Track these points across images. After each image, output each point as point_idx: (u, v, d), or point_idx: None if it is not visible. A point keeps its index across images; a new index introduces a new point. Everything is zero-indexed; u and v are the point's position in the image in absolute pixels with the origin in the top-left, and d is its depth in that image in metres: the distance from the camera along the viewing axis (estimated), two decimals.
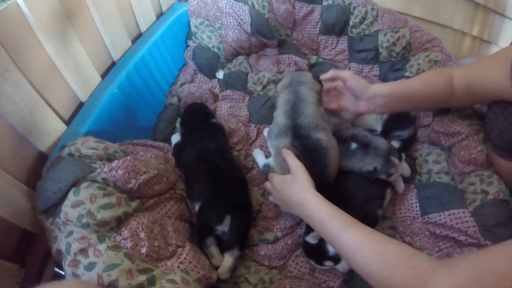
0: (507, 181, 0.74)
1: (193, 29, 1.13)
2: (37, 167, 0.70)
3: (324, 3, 1.15)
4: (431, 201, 0.78)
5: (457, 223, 0.71)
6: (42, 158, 0.72)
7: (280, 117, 0.77)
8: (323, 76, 0.82)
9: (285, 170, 0.70)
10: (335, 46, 1.20)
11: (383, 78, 1.13)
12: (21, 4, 0.63)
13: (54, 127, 0.74)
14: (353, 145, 0.78)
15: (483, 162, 0.78)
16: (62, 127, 0.76)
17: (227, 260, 0.68)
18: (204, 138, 0.81)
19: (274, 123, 0.80)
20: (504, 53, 0.68)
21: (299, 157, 0.69)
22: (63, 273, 0.73)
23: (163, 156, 0.80)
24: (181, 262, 0.59)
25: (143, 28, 1.05)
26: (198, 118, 0.88)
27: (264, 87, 1.07)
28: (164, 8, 1.15)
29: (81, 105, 0.82)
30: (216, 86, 1.09)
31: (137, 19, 1.02)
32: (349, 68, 1.18)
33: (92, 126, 0.76)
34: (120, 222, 0.60)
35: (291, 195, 0.64)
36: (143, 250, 0.57)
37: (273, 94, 1.04)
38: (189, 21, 1.14)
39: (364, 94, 0.77)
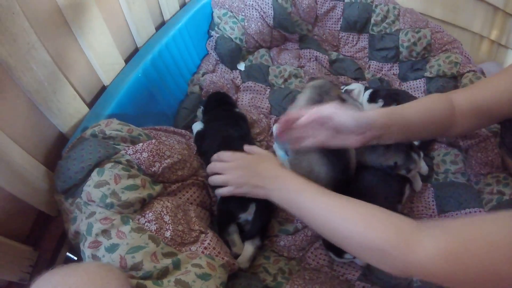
0: None
1: (216, 19, 1.13)
2: (56, 148, 0.70)
3: (346, 0, 1.15)
4: (448, 199, 0.78)
5: None
6: (62, 140, 0.72)
7: None
8: (300, 122, 0.60)
9: (305, 169, 0.69)
10: (356, 43, 1.20)
11: (403, 77, 1.13)
12: None
13: (77, 109, 0.73)
14: None
15: (499, 164, 0.79)
16: (85, 109, 0.75)
17: (248, 249, 0.67)
18: (227, 127, 0.81)
19: None
20: None
21: (321, 153, 0.68)
22: (75, 258, 0.73)
23: (186, 143, 0.79)
24: (205, 248, 0.58)
25: (166, 16, 1.04)
26: (221, 107, 0.88)
27: (285, 80, 1.07)
28: None
29: (103, 88, 0.82)
30: (238, 77, 1.09)
31: (161, 7, 1.02)
32: (369, 66, 1.18)
33: (114, 109, 0.75)
34: (144, 204, 0.59)
35: (266, 169, 0.63)
36: (168, 234, 0.56)
37: (295, 88, 1.04)
38: (212, 12, 1.14)
39: (358, 128, 0.60)
